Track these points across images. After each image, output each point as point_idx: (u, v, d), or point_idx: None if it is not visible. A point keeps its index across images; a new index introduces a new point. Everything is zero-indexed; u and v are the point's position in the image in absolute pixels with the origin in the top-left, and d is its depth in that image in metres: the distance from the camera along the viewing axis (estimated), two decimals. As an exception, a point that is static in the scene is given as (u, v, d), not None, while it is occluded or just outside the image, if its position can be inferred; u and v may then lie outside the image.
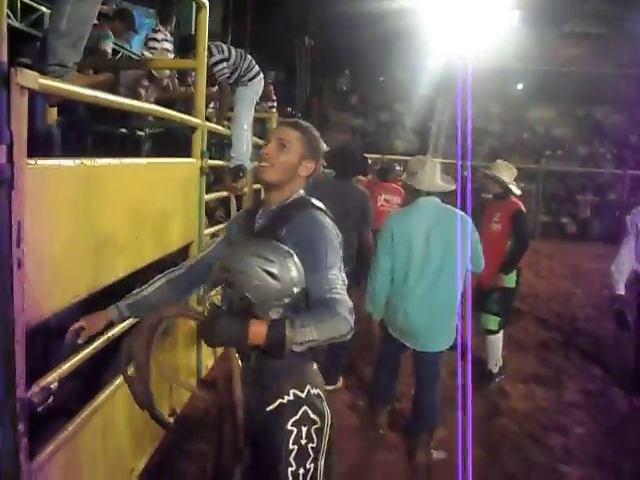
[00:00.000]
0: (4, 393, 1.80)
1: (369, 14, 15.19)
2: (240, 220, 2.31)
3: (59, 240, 2.15)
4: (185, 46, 5.30)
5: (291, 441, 1.92)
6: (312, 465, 1.95)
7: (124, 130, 5.14)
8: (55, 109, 4.01)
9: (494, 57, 16.45)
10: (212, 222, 5.55)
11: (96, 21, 3.16)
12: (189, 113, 4.13)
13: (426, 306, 3.60)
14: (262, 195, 2.23)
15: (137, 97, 5.05)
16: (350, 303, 1.87)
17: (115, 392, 2.74)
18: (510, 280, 4.80)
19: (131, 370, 1.87)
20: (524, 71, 18.54)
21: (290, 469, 1.91)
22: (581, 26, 18.20)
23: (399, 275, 3.66)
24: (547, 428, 4.22)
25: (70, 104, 4.00)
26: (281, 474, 1.91)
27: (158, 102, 4.96)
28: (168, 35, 6.29)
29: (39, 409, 1.97)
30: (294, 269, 1.83)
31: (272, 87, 10.61)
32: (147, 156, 4.90)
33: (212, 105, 6.37)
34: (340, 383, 4.76)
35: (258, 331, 1.73)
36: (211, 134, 4.47)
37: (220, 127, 5.19)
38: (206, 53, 4.21)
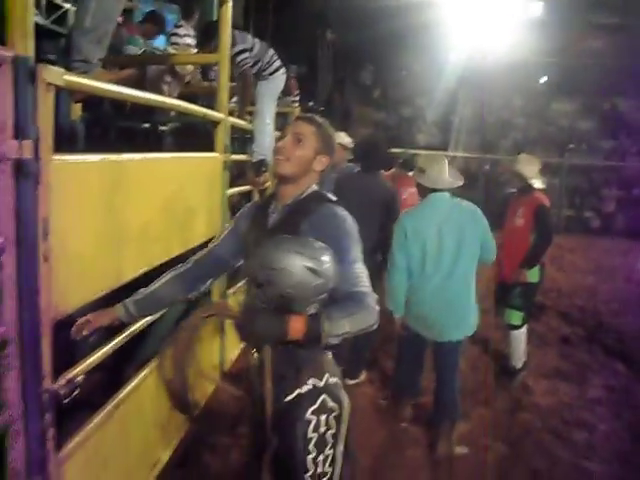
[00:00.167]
0: (32, 385, 1.83)
1: (389, 7, 15.09)
2: (250, 215, 2.33)
3: (85, 234, 2.18)
4: (207, 32, 5.28)
5: (310, 429, 1.97)
6: (331, 451, 2.02)
7: (147, 125, 5.16)
8: (79, 105, 4.05)
9: (517, 50, 16.26)
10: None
11: (120, 20, 3.19)
12: (212, 108, 4.15)
13: (443, 297, 3.65)
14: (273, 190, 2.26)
15: (160, 93, 5.07)
16: (375, 295, 1.96)
17: (141, 384, 2.78)
18: (533, 275, 4.76)
19: (170, 373, 1.91)
20: (548, 64, 18.31)
21: (310, 456, 1.97)
22: (606, 17, 17.87)
23: (416, 270, 3.71)
24: (570, 424, 4.19)
25: (94, 100, 4.03)
26: (301, 462, 1.98)
27: (181, 97, 4.97)
28: (190, 30, 6.31)
29: (65, 401, 2.00)
30: (332, 265, 1.86)
31: (294, 81, 10.57)
32: (169, 151, 4.92)
33: (234, 100, 6.38)
34: (363, 377, 4.77)
35: (298, 327, 1.79)
36: (233, 128, 4.48)
37: (242, 121, 5.19)
38: (229, 45, 4.21)
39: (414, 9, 14.89)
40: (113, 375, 3.04)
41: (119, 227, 2.47)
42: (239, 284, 4.66)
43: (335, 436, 2.02)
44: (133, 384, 2.72)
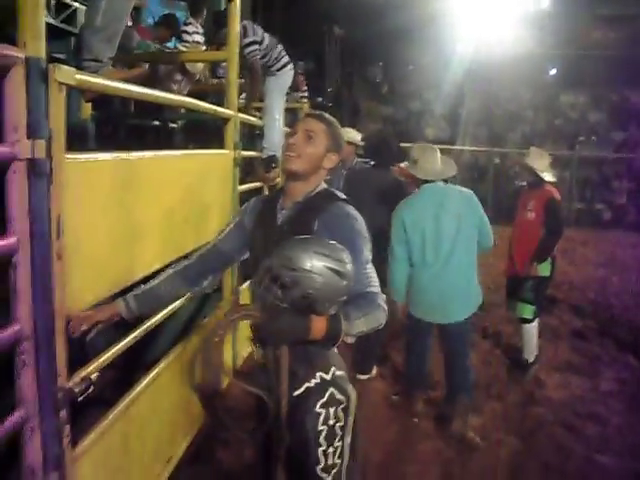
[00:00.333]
0: (47, 382, 1.85)
1: (396, 1, 15.07)
2: (255, 210, 2.31)
3: (98, 232, 2.19)
4: (218, 21, 5.26)
5: (320, 422, 2.01)
6: (340, 443, 2.06)
7: (157, 122, 5.17)
8: (89, 104, 4.07)
9: (524, 42, 16.19)
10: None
11: (130, 22, 3.20)
12: (221, 105, 4.15)
13: (445, 280, 3.73)
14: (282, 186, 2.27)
15: (169, 91, 5.08)
16: (383, 295, 2.02)
17: (154, 381, 2.79)
18: (544, 268, 4.75)
19: (203, 377, 1.93)
20: (556, 55, 18.20)
21: (320, 449, 2.02)
22: (615, 8, 17.73)
23: (417, 258, 3.80)
24: (583, 417, 4.18)
25: (104, 98, 4.05)
26: (312, 454, 2.02)
27: (190, 94, 4.98)
28: (199, 28, 6.31)
29: (80, 399, 2.01)
30: (352, 267, 1.87)
31: (302, 77, 10.57)
32: (180, 148, 4.93)
33: (242, 96, 6.38)
34: (374, 372, 4.77)
35: (320, 327, 1.83)
36: (241, 125, 4.48)
37: (252, 118, 5.19)
38: (237, 41, 4.20)
39: (420, 2, 14.86)
40: (126, 373, 3.05)
41: (132, 224, 2.48)
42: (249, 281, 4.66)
43: (343, 428, 2.06)
44: (147, 381, 2.73)
